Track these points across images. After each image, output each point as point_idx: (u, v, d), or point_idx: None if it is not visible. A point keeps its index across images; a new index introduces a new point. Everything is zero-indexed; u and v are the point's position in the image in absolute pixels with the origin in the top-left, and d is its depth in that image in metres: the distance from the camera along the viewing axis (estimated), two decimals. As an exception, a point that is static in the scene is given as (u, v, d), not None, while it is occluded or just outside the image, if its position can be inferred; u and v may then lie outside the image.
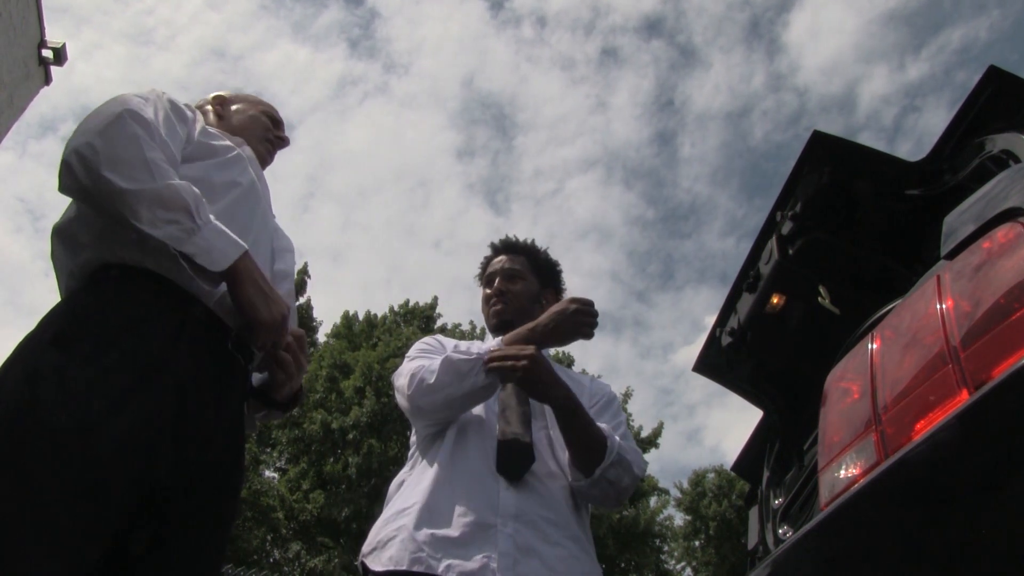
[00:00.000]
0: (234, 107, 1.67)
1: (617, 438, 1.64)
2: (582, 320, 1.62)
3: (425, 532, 1.43)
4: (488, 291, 1.94)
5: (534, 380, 1.56)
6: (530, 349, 1.57)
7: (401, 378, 1.68)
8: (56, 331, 1.08)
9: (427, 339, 1.86)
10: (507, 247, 2.01)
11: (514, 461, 1.54)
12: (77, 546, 0.94)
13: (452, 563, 1.38)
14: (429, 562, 1.38)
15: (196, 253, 1.14)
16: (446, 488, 1.52)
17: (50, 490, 0.93)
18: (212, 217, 1.20)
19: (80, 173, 1.12)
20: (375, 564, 1.45)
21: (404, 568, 1.38)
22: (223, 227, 1.20)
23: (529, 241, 2.02)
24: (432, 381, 1.58)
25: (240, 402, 1.27)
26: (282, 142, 1.71)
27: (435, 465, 1.58)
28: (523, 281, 1.91)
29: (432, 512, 1.47)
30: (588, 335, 1.64)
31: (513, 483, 1.53)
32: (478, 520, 1.45)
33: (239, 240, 1.21)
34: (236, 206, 1.35)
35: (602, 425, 1.64)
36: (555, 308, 1.66)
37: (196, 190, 1.19)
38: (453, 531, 1.43)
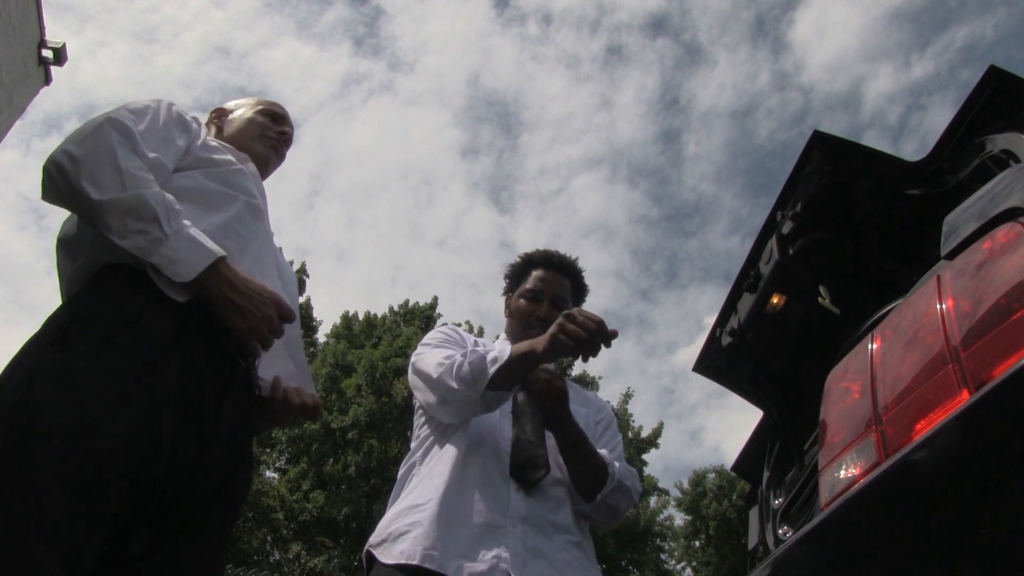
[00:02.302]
0: (231, 115, 1.65)
1: (617, 464, 1.66)
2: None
3: (438, 530, 1.44)
4: (527, 304, 1.84)
5: (565, 410, 1.60)
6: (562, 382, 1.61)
7: (431, 365, 1.63)
8: (56, 331, 1.08)
9: (446, 329, 1.83)
10: (561, 266, 1.90)
11: (529, 470, 1.56)
12: (74, 545, 0.94)
13: (463, 564, 1.39)
14: (441, 560, 1.39)
15: (161, 264, 1.12)
16: (459, 487, 1.52)
17: (48, 490, 0.93)
18: (187, 224, 1.17)
19: (58, 181, 1.14)
20: (385, 556, 1.45)
21: (415, 563, 1.39)
22: (196, 235, 1.17)
23: (575, 260, 1.94)
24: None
25: (244, 403, 1.26)
26: (284, 136, 1.67)
27: (447, 461, 1.58)
28: None
29: (445, 510, 1.47)
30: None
31: (524, 487, 1.55)
32: (488, 521, 1.46)
33: (213, 248, 1.18)
34: (237, 220, 1.35)
35: (602, 451, 1.66)
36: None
37: (170, 197, 1.17)
38: (465, 530, 1.44)
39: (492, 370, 1.50)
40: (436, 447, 1.65)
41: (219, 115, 1.66)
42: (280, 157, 1.67)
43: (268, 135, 1.63)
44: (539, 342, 1.47)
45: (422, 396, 1.68)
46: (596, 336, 1.40)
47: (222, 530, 1.20)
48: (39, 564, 0.90)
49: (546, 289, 1.85)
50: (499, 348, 1.58)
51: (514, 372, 1.52)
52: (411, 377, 1.73)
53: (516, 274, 1.93)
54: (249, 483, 1.30)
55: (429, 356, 1.66)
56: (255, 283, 1.23)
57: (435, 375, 1.59)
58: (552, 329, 1.44)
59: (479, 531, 1.45)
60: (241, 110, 1.66)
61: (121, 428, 1.00)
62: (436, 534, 1.43)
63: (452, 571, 1.38)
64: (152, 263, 1.13)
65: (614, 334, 1.42)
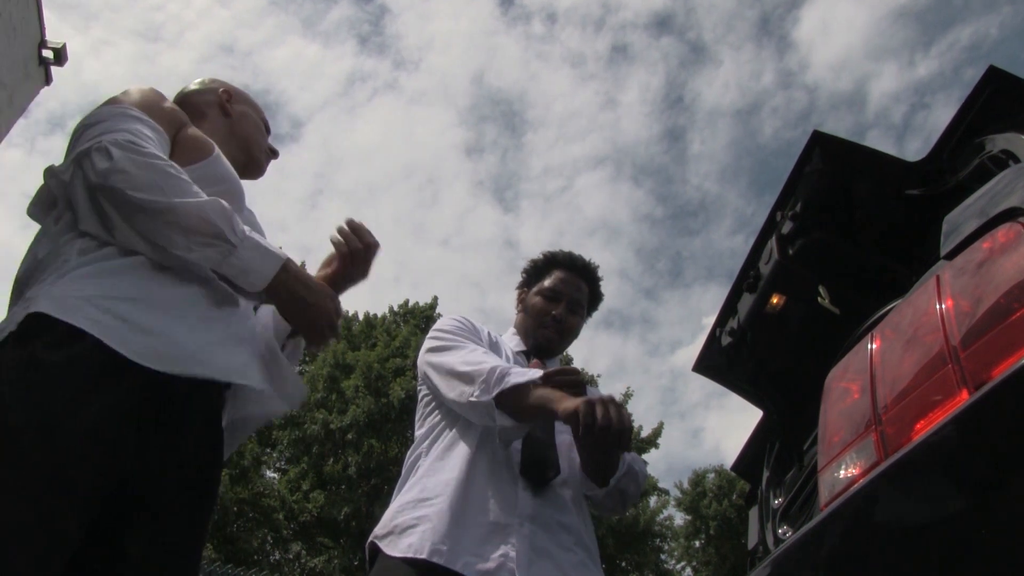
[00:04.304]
0: (238, 107, 1.59)
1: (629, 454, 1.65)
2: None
3: (447, 526, 1.43)
4: (544, 302, 1.83)
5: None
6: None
7: (455, 362, 1.60)
8: (21, 328, 1.05)
9: (459, 318, 1.79)
10: (584, 271, 1.90)
11: (541, 470, 1.55)
12: (44, 543, 0.94)
13: (470, 560, 1.39)
14: (449, 556, 1.39)
15: (232, 275, 1.17)
16: (468, 483, 1.51)
17: (14, 489, 0.93)
18: (247, 228, 1.18)
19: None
20: (391, 549, 1.45)
21: (423, 557, 1.39)
22: (260, 240, 1.21)
23: (597, 268, 1.94)
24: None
25: (216, 391, 1.24)
26: (273, 155, 1.65)
27: (456, 455, 1.57)
28: (580, 318, 1.87)
29: (454, 507, 1.47)
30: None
31: (534, 487, 1.54)
32: (497, 519, 1.46)
33: (278, 252, 1.21)
34: None
35: None
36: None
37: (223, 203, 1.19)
38: (473, 528, 1.44)
39: (509, 384, 1.46)
40: (444, 438, 1.64)
41: (228, 98, 1.59)
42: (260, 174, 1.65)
43: (265, 148, 1.62)
44: (560, 405, 1.37)
45: (439, 389, 1.64)
46: (610, 439, 1.32)
47: (198, 519, 1.18)
48: (8, 563, 0.90)
49: (565, 291, 1.84)
50: (528, 373, 1.51)
51: (524, 407, 1.46)
52: (426, 368, 1.70)
53: (536, 271, 1.92)
54: (219, 475, 1.27)
55: (451, 354, 1.64)
56: (316, 281, 1.28)
57: (459, 371, 1.57)
58: (576, 405, 1.33)
59: (487, 529, 1.44)
60: (246, 106, 1.61)
61: (84, 424, 0.99)
62: (445, 530, 1.43)
63: (460, 567, 1.38)
64: (222, 272, 1.17)
65: (625, 445, 1.35)
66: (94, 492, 1.00)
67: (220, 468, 1.27)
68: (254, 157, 1.57)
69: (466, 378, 1.54)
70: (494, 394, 1.47)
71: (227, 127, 1.54)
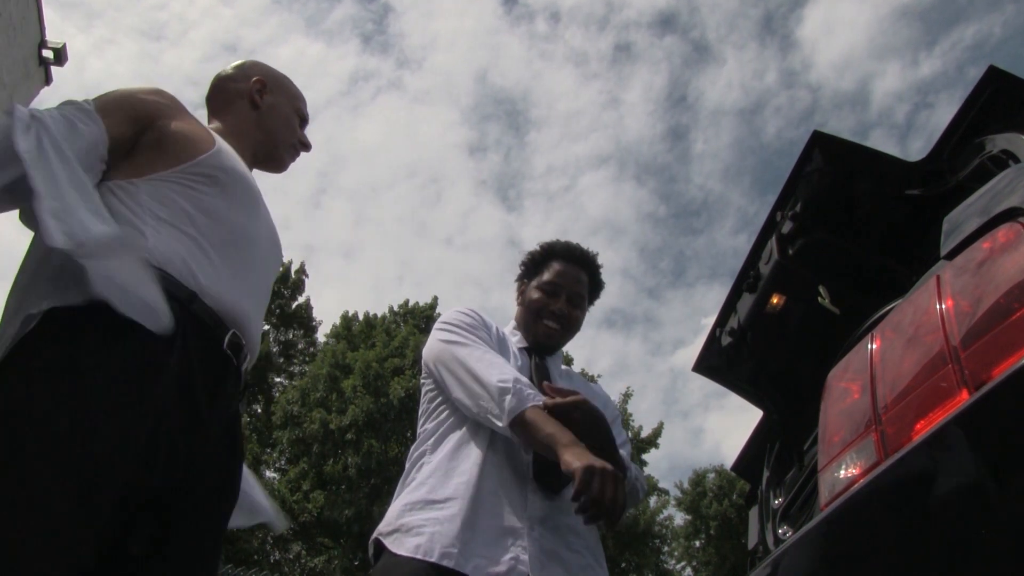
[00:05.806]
0: (269, 98, 1.53)
1: (633, 468, 1.64)
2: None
3: (457, 529, 1.43)
4: (543, 296, 1.80)
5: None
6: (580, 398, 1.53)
7: (478, 369, 1.57)
8: (57, 329, 1.05)
9: (470, 314, 1.75)
10: (583, 261, 1.86)
11: (557, 475, 1.54)
12: (72, 548, 0.94)
13: (480, 562, 1.38)
14: (459, 559, 1.38)
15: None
16: (477, 486, 1.50)
17: (47, 493, 0.93)
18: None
19: None
20: (397, 547, 1.44)
21: (433, 560, 1.38)
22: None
23: (596, 256, 1.90)
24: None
25: (233, 400, 1.25)
26: (305, 148, 1.61)
27: (465, 457, 1.56)
28: (581, 310, 1.84)
29: (465, 511, 1.46)
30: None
31: (547, 492, 1.53)
32: (507, 523, 1.45)
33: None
34: None
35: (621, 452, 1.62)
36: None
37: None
38: (483, 532, 1.43)
39: (524, 409, 1.46)
40: (452, 437, 1.62)
41: (260, 88, 1.53)
42: (284, 168, 1.61)
43: (293, 142, 1.57)
44: (564, 456, 1.35)
45: (450, 390, 1.62)
46: (599, 513, 1.30)
47: (219, 527, 1.20)
48: (36, 566, 0.90)
49: (564, 283, 1.81)
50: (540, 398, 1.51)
51: (534, 442, 1.47)
52: (436, 364, 1.67)
53: (534, 263, 1.88)
54: (239, 480, 1.28)
55: (465, 356, 1.61)
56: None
57: (477, 379, 1.55)
58: (579, 468, 1.31)
59: (497, 533, 1.44)
60: (280, 98, 1.56)
61: (120, 433, 1.00)
62: (455, 533, 1.42)
63: (470, 569, 1.37)
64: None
65: (613, 523, 1.34)
66: (121, 500, 1.01)
67: (239, 475, 1.27)
68: (276, 153, 1.54)
69: (483, 392, 1.53)
70: (507, 422, 1.47)
71: (254, 119, 1.50)
